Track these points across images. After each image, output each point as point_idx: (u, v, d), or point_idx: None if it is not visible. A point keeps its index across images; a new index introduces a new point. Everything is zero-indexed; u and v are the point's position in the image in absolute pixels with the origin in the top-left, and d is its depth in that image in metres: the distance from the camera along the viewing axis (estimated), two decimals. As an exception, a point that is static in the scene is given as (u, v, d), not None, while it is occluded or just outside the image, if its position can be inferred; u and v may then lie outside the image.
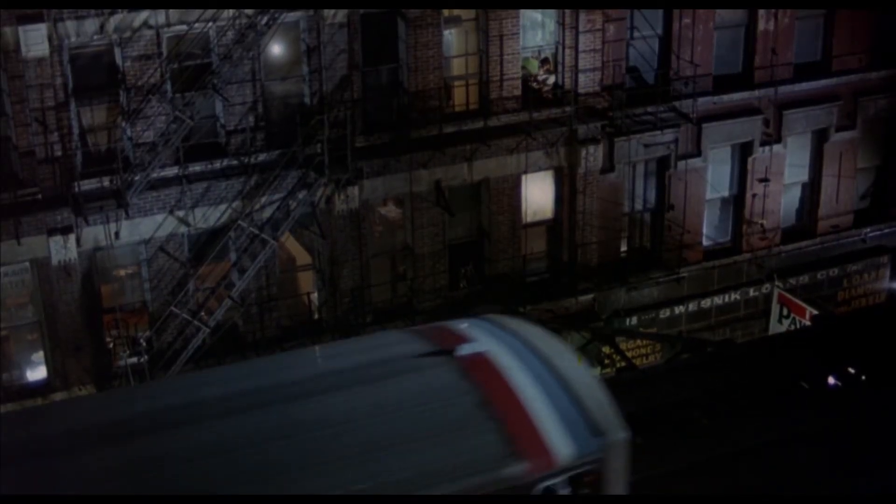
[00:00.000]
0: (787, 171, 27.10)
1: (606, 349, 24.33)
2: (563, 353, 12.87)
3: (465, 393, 11.88)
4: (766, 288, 26.87)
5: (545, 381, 12.08)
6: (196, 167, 21.49)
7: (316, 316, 23.36)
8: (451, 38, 23.46)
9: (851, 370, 19.00)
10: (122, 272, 22.03)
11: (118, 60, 20.64)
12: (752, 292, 26.99)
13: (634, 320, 25.65)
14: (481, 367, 12.20)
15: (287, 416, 11.61)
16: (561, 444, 11.52)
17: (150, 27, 20.54)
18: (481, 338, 12.75)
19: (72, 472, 11.10)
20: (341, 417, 11.58)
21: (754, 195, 26.66)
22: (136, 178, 20.82)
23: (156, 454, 11.23)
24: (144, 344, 21.70)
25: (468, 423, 11.61)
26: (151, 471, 11.05)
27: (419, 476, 11.10)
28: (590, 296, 25.15)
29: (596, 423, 11.78)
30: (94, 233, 20.95)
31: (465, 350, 12.39)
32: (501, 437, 11.46)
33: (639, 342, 25.50)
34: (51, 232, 20.49)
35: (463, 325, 13.38)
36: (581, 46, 23.79)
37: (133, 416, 11.96)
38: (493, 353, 12.40)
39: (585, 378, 12.58)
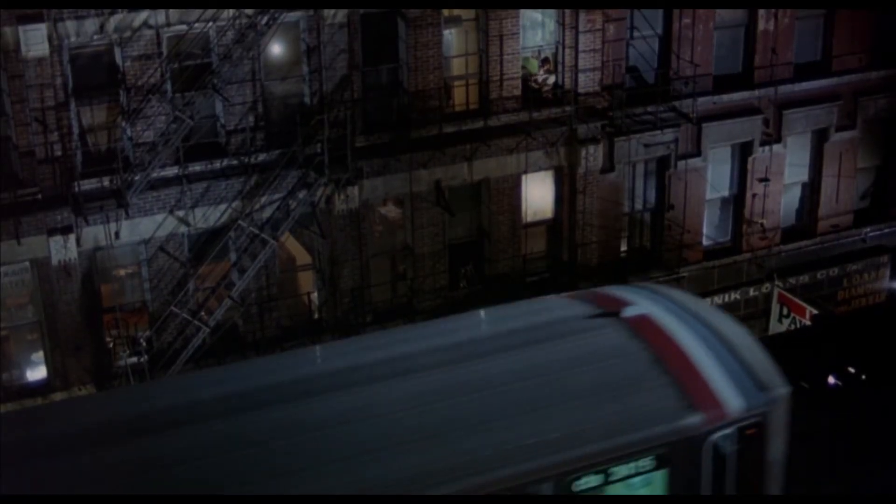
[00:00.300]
0: (787, 170, 27.11)
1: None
2: (719, 315, 13.80)
3: (637, 351, 12.77)
4: (766, 287, 26.88)
5: (708, 340, 13.01)
6: (196, 167, 21.49)
7: (316, 316, 23.37)
8: (451, 38, 23.46)
9: (851, 370, 19.01)
10: (122, 272, 22.03)
11: (118, 60, 20.64)
12: (752, 292, 26.99)
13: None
14: (648, 328, 13.07)
15: (469, 374, 12.47)
16: (730, 398, 12.41)
17: (150, 27, 20.54)
18: (641, 301, 13.63)
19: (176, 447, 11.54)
20: (517, 376, 12.39)
21: (754, 195, 26.66)
22: (136, 177, 20.82)
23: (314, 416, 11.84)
24: (144, 344, 21.71)
25: (644, 378, 12.48)
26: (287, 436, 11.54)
27: (602, 428, 11.97)
28: (590, 296, 25.14)
29: (760, 379, 12.71)
30: (94, 233, 20.96)
31: (630, 312, 13.27)
32: (676, 391, 12.35)
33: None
34: (51, 232, 20.49)
35: (620, 291, 14.37)
36: (581, 46, 23.80)
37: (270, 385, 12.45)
38: (656, 315, 13.29)
39: (744, 337, 13.43)
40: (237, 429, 11.77)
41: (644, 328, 13.09)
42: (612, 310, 13.43)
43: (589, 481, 11.90)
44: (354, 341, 15.65)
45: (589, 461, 11.84)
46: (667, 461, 12.17)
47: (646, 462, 12.09)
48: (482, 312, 14.99)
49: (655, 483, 12.35)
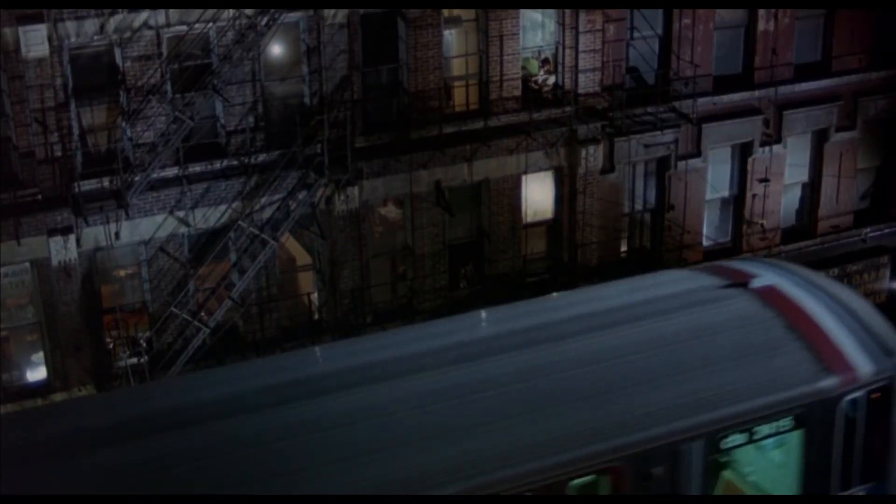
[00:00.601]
0: (787, 171, 27.11)
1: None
2: (839, 286, 14.74)
3: (769, 319, 13.61)
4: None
5: (833, 309, 13.83)
6: (196, 168, 21.49)
7: (316, 316, 23.36)
8: (451, 38, 23.47)
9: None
10: (122, 272, 22.02)
11: (118, 61, 20.64)
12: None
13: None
14: (776, 298, 13.92)
15: (605, 342, 13.29)
16: (861, 362, 13.31)
17: (150, 27, 20.54)
18: (765, 274, 14.34)
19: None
20: (661, 343, 13.24)
21: (754, 195, 26.66)
22: (136, 178, 20.82)
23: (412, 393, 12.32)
24: (144, 344, 21.70)
25: (780, 344, 13.31)
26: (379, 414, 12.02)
27: (747, 389, 12.76)
28: (590, 296, 25.15)
29: (886, 345, 13.60)
30: (94, 233, 20.95)
31: (758, 283, 14.09)
32: (811, 355, 13.23)
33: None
34: (51, 232, 20.48)
35: (742, 264, 15.28)
36: (581, 46, 23.80)
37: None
38: (782, 286, 14.12)
39: (866, 306, 14.36)
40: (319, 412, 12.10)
41: (773, 298, 13.91)
42: (740, 281, 14.24)
43: (735, 439, 12.80)
44: (514, 307, 16.12)
45: (736, 420, 12.68)
46: (804, 422, 13.01)
47: (785, 422, 12.95)
48: (613, 284, 15.98)
49: (791, 444, 13.19)
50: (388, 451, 11.59)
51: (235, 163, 21.74)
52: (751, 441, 12.94)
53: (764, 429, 12.92)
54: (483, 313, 14.98)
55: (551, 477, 11.87)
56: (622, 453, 12.16)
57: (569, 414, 12.24)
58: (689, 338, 13.35)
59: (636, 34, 24.64)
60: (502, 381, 12.51)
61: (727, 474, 13.35)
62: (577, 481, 12.18)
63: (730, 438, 12.77)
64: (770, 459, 13.58)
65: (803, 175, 27.63)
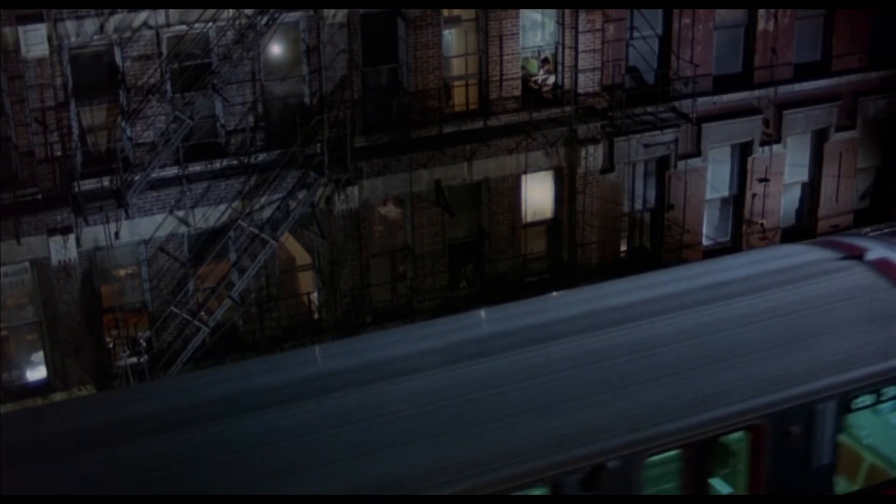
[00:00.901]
0: (786, 171, 27.11)
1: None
2: None
3: (887, 288, 14.39)
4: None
5: None
6: (196, 167, 21.50)
7: (316, 316, 23.37)
8: (451, 38, 23.47)
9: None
10: (122, 272, 22.03)
11: (118, 60, 20.65)
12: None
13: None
14: (890, 268, 14.68)
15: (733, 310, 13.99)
16: None
17: (150, 27, 20.55)
18: (875, 247, 15.22)
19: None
20: (787, 310, 13.93)
21: (754, 195, 26.66)
22: (136, 178, 20.83)
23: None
24: (144, 344, 21.71)
25: None
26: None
27: (875, 352, 13.53)
28: (590, 296, 25.12)
29: None
30: (94, 233, 20.96)
31: (872, 256, 14.84)
32: None
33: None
34: (51, 232, 20.49)
35: (852, 238, 16.15)
36: (581, 46, 23.80)
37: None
38: (894, 258, 14.89)
39: None
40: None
41: (887, 269, 14.66)
42: (854, 254, 14.97)
43: (865, 400, 13.52)
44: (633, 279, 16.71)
45: (866, 381, 13.42)
46: None
47: None
48: (734, 258, 16.96)
49: None
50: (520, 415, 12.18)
51: (235, 162, 21.75)
52: (878, 402, 13.69)
53: (891, 390, 13.68)
54: (624, 281, 15.79)
55: (707, 432, 12.66)
56: (765, 412, 12.86)
57: (720, 374, 12.98)
58: (816, 306, 14.10)
59: (636, 34, 24.65)
60: (661, 342, 13.32)
61: (853, 432, 14.05)
62: (725, 437, 13.03)
63: (860, 399, 13.48)
64: (889, 422, 14.34)
65: (803, 175, 27.63)
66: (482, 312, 15.07)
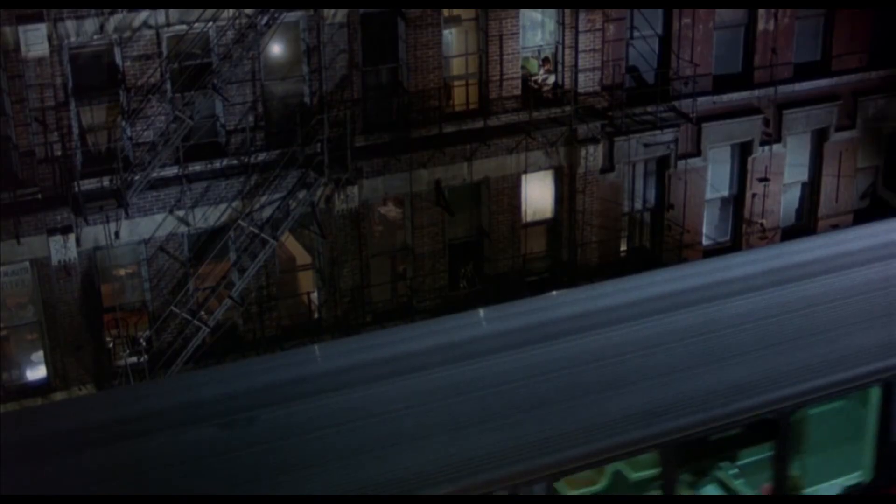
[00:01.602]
0: (786, 170, 27.10)
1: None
2: None
3: None
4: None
5: None
6: (196, 167, 21.50)
7: (316, 315, 23.37)
8: (451, 38, 23.47)
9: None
10: (122, 272, 22.04)
11: (118, 60, 20.65)
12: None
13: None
14: None
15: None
16: None
17: (150, 27, 20.55)
18: None
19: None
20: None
21: (754, 195, 26.67)
22: (136, 177, 20.83)
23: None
24: (144, 343, 21.72)
25: None
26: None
27: None
28: (589, 295, 25.11)
29: None
30: (94, 232, 20.96)
31: None
32: None
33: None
34: (51, 232, 20.50)
35: None
36: (581, 46, 23.80)
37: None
38: None
39: None
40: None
41: None
42: None
43: None
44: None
45: None
46: None
47: None
48: (847, 231, 18.11)
49: None
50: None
51: (235, 162, 21.75)
52: None
53: None
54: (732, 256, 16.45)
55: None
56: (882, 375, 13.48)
57: (847, 339, 13.57)
58: None
59: (636, 34, 24.65)
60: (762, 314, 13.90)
61: None
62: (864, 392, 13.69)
63: None
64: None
65: (803, 174, 27.63)
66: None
